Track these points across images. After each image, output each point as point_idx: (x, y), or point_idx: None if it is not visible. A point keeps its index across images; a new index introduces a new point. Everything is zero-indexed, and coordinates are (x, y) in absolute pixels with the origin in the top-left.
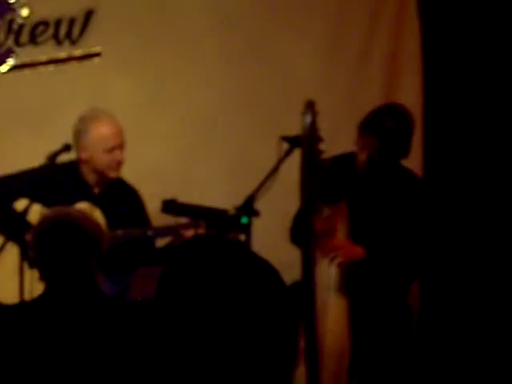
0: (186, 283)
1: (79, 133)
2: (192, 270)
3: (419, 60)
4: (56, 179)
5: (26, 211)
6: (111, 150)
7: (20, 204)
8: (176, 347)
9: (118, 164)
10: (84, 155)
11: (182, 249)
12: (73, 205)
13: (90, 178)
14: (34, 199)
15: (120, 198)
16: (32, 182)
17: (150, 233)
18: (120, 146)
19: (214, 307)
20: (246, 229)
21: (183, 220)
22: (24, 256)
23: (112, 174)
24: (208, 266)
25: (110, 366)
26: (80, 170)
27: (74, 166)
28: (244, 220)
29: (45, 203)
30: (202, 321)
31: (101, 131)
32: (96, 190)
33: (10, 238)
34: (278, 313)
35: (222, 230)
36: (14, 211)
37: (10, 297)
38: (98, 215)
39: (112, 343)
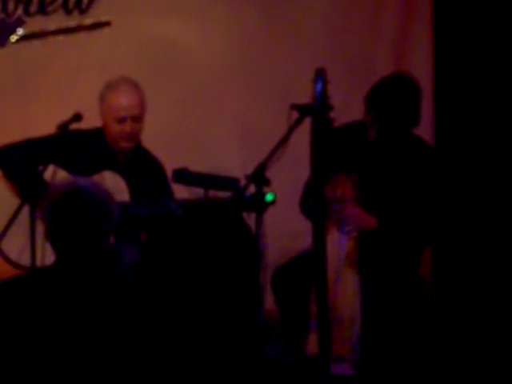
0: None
1: (99, 99)
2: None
3: (430, 27)
4: (83, 145)
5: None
6: (121, 120)
7: (46, 170)
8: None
9: (129, 135)
10: (102, 121)
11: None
12: (98, 172)
13: (114, 145)
14: (60, 165)
15: (144, 167)
16: (57, 148)
17: (172, 205)
18: (133, 117)
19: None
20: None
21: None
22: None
23: (122, 145)
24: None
25: (115, 342)
26: (106, 137)
27: (100, 132)
28: (269, 198)
29: (71, 169)
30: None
31: (114, 100)
32: (121, 158)
33: (34, 203)
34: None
35: (241, 207)
36: (39, 176)
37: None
38: (120, 183)
39: (120, 319)
